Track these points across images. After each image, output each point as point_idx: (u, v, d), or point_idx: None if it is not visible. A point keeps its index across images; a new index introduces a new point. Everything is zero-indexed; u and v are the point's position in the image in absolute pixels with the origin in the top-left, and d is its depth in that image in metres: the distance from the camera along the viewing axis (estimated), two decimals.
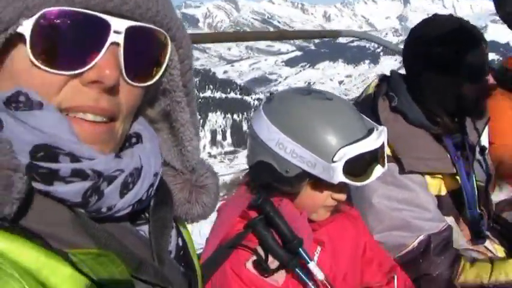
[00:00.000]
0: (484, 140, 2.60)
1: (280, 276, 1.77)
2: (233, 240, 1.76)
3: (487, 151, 2.65)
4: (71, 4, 0.82)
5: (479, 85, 2.34)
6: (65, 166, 0.81)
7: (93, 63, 0.83)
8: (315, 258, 1.87)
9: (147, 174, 0.94)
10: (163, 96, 1.04)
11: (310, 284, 1.79)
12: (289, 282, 1.79)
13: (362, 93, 2.59)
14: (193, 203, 1.10)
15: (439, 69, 2.31)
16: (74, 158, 0.82)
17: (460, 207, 2.39)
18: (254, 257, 1.75)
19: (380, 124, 2.09)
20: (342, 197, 1.87)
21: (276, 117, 1.81)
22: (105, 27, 0.84)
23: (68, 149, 0.82)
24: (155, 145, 1.01)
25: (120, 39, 0.85)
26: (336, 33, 4.01)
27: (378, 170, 1.78)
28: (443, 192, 2.36)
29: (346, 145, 1.72)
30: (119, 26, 0.85)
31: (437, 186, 2.35)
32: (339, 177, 1.71)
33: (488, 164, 2.63)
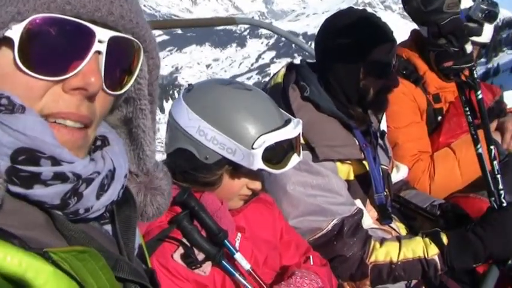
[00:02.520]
0: (383, 125, 2.70)
1: (207, 266, 1.77)
2: (158, 234, 1.73)
3: (386, 135, 2.76)
4: (62, 12, 0.81)
5: (382, 80, 2.40)
6: (46, 169, 0.82)
7: (77, 70, 0.84)
8: (237, 244, 1.88)
9: (120, 175, 0.96)
10: (125, 103, 1.04)
11: (236, 274, 1.80)
12: (216, 272, 1.80)
13: (269, 81, 2.59)
14: (148, 204, 1.11)
15: (343, 61, 2.37)
16: (55, 162, 0.83)
17: (367, 190, 2.47)
18: (181, 249, 1.74)
19: (292, 113, 2.13)
20: (257, 186, 1.90)
21: (197, 105, 1.81)
22: (91, 36, 0.85)
23: (49, 152, 0.82)
24: (122, 147, 1.03)
25: (103, 48, 0.87)
26: (231, 21, 3.98)
27: (294, 159, 1.83)
28: (352, 177, 2.43)
29: (266, 133, 1.76)
30: (103, 35, 0.86)
31: (346, 171, 2.41)
32: (258, 163, 1.74)
33: (388, 147, 2.75)
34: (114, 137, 1.02)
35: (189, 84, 1.93)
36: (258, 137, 1.75)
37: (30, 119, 0.81)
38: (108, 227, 1.02)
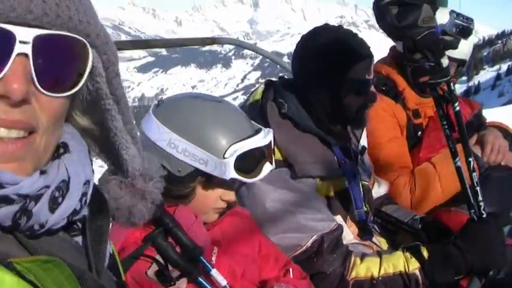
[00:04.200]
0: (364, 141, 2.68)
1: (182, 283, 1.73)
2: (133, 252, 1.69)
3: (366, 151, 2.74)
4: None
5: (362, 96, 2.37)
6: None
7: None
8: (213, 259, 1.85)
9: (76, 184, 0.90)
10: (95, 105, 0.97)
11: None
12: (192, 287, 1.75)
13: (247, 98, 2.57)
14: (131, 210, 1.07)
15: (323, 80, 2.34)
16: None
17: (347, 206, 2.43)
18: (155, 266, 1.70)
19: None
20: (231, 197, 1.87)
21: (167, 118, 1.79)
22: (9, 38, 0.77)
23: None
24: (83, 153, 0.97)
25: (27, 49, 0.79)
26: (214, 41, 3.96)
27: (267, 167, 1.80)
28: (331, 193, 2.39)
29: (237, 142, 1.74)
30: (25, 35, 0.78)
31: (325, 188, 2.37)
32: (231, 173, 1.71)
33: (368, 163, 2.72)
34: (75, 143, 0.97)
35: (158, 100, 1.91)
36: (229, 146, 1.73)
37: None
38: (79, 238, 0.98)
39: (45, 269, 0.78)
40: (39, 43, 0.79)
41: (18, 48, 0.78)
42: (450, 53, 2.43)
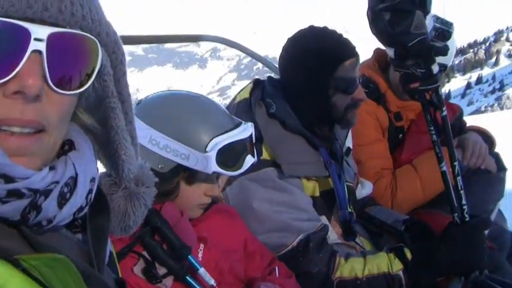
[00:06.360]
0: (349, 142, 2.66)
1: (169, 280, 1.70)
2: (121, 249, 1.64)
3: (351, 152, 2.72)
4: None
5: (349, 96, 2.35)
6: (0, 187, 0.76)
7: (14, 73, 0.76)
8: (200, 255, 1.81)
9: (83, 181, 0.89)
10: (99, 103, 0.95)
11: None
12: (178, 285, 1.73)
13: (235, 97, 2.53)
14: (126, 213, 1.05)
15: (311, 81, 2.31)
16: (8, 179, 0.77)
17: (332, 207, 2.41)
18: (141, 263, 1.67)
19: (258, 129, 2.07)
20: (215, 192, 1.85)
21: (147, 116, 1.76)
22: (25, 35, 0.77)
23: (0, 171, 0.76)
24: (89, 150, 0.96)
25: (42, 46, 0.78)
26: (196, 38, 3.92)
27: (249, 160, 1.78)
28: (317, 193, 2.37)
29: (218, 135, 1.72)
30: (40, 33, 0.78)
31: (311, 187, 2.35)
32: (213, 166, 1.69)
33: (352, 164, 2.70)
34: (81, 141, 0.95)
35: (139, 100, 1.88)
36: (210, 140, 1.70)
37: None
38: (80, 236, 0.97)
39: (51, 267, 0.77)
40: (53, 41, 0.80)
41: (33, 45, 0.78)
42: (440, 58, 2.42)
